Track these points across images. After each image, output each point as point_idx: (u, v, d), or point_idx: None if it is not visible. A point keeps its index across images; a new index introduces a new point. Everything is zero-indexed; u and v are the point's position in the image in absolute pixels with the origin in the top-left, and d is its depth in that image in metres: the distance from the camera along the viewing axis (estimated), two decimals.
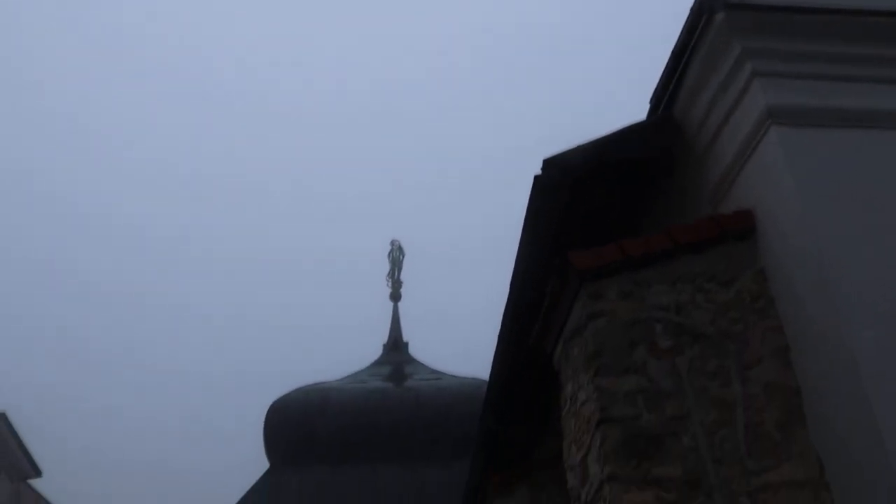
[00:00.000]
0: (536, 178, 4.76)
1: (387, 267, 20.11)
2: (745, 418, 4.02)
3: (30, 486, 22.45)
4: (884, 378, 3.64)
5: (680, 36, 4.86)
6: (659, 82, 5.22)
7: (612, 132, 5.05)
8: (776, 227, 4.36)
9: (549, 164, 4.74)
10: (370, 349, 18.86)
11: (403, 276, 20.05)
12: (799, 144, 4.27)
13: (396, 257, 20.02)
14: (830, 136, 4.33)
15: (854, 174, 4.25)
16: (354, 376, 17.09)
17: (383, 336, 19.09)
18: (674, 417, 3.96)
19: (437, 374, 17.00)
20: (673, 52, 4.98)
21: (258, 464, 15.43)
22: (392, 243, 20.31)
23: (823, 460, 3.89)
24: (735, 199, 4.76)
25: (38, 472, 21.71)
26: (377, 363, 18.08)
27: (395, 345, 18.68)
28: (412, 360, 18.16)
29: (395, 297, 19.64)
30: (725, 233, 4.53)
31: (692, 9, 4.68)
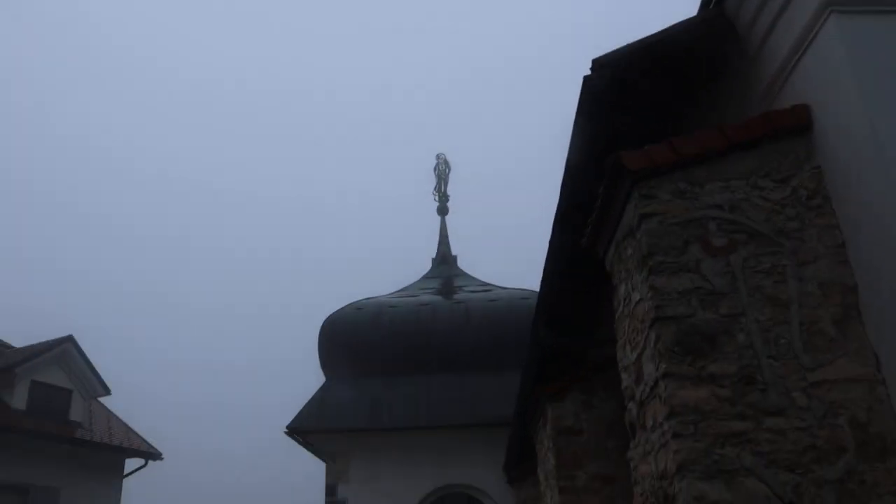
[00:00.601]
0: (586, 78, 4.68)
1: (433, 181, 20.12)
2: (800, 316, 3.99)
3: (100, 403, 23.50)
4: None
5: None
6: None
7: (661, 30, 4.93)
8: (834, 123, 4.23)
9: (598, 64, 4.65)
10: (420, 264, 19.04)
11: (450, 190, 20.05)
12: (860, 33, 4.10)
13: (442, 171, 19.98)
14: (893, 23, 4.14)
15: None
16: (405, 290, 17.29)
17: (432, 250, 19.24)
18: (728, 315, 3.95)
19: (487, 286, 17.09)
20: None
21: (315, 378, 15.85)
22: (438, 157, 20.25)
23: (880, 356, 3.87)
24: (790, 96, 4.63)
25: (107, 391, 22.66)
26: (427, 277, 18.25)
27: (444, 258, 18.80)
28: (461, 273, 18.28)
29: (443, 211, 19.67)
30: (780, 129, 4.41)
31: None
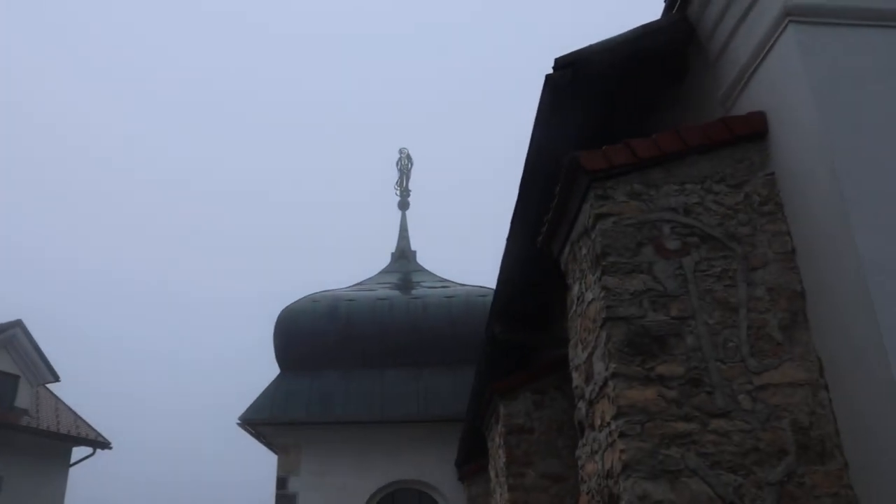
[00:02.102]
0: (548, 77, 4.70)
1: (395, 175, 20.07)
2: (748, 320, 4.05)
3: (48, 390, 23.08)
4: (889, 283, 3.65)
5: None
6: None
7: (624, 32, 4.97)
8: (789, 131, 4.30)
9: (561, 63, 4.67)
10: (379, 258, 18.99)
11: (412, 185, 20.02)
12: (817, 43, 4.17)
13: (405, 165, 19.92)
14: (850, 36, 4.21)
15: (873, 76, 4.14)
16: (363, 284, 17.23)
17: (392, 245, 19.20)
18: (678, 317, 3.99)
19: (445, 283, 17.09)
20: None
21: (271, 370, 15.73)
22: (401, 151, 20.20)
23: (824, 362, 3.95)
24: (748, 103, 4.69)
25: (56, 378, 22.26)
26: (385, 271, 18.20)
27: (403, 253, 18.77)
28: (420, 269, 18.27)
29: (404, 205, 19.63)
30: (736, 135, 4.47)
31: None
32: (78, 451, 22.98)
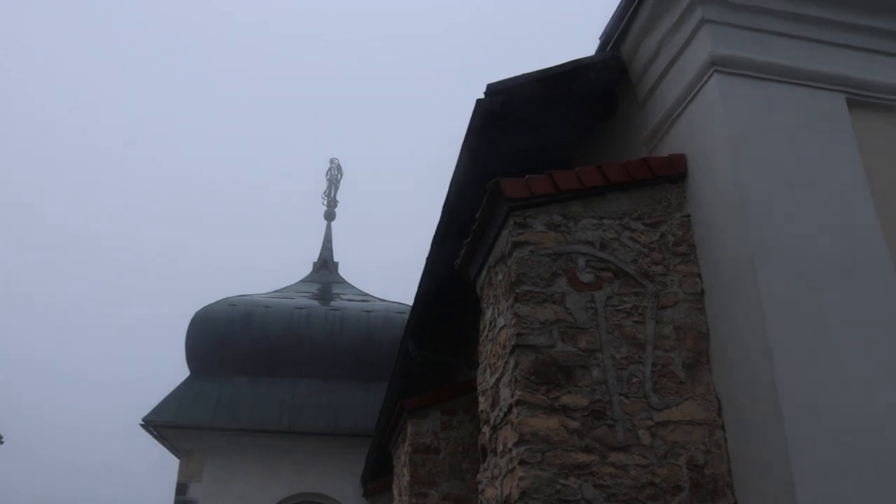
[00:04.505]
0: (478, 101, 4.73)
1: (324, 185, 19.90)
2: (654, 357, 4.14)
3: None
4: (787, 331, 3.79)
5: None
6: (611, 19, 5.21)
7: (558, 65, 5.04)
8: (707, 176, 4.43)
9: (492, 90, 4.71)
10: (303, 267, 18.77)
11: (340, 196, 19.87)
12: (739, 95, 4.33)
13: (334, 176, 19.75)
14: (771, 90, 4.39)
15: (789, 130, 4.33)
16: (282, 292, 16.99)
17: (315, 254, 19.00)
18: (586, 350, 4.05)
19: (365, 297, 16.98)
20: None
21: (180, 373, 15.34)
22: (331, 161, 20.04)
23: (722, 402, 4.06)
24: (671, 144, 4.82)
25: None
26: (305, 281, 17.98)
27: (325, 264, 18.58)
28: (341, 281, 18.12)
29: (330, 216, 19.44)
30: (657, 175, 4.58)
31: None
32: None
